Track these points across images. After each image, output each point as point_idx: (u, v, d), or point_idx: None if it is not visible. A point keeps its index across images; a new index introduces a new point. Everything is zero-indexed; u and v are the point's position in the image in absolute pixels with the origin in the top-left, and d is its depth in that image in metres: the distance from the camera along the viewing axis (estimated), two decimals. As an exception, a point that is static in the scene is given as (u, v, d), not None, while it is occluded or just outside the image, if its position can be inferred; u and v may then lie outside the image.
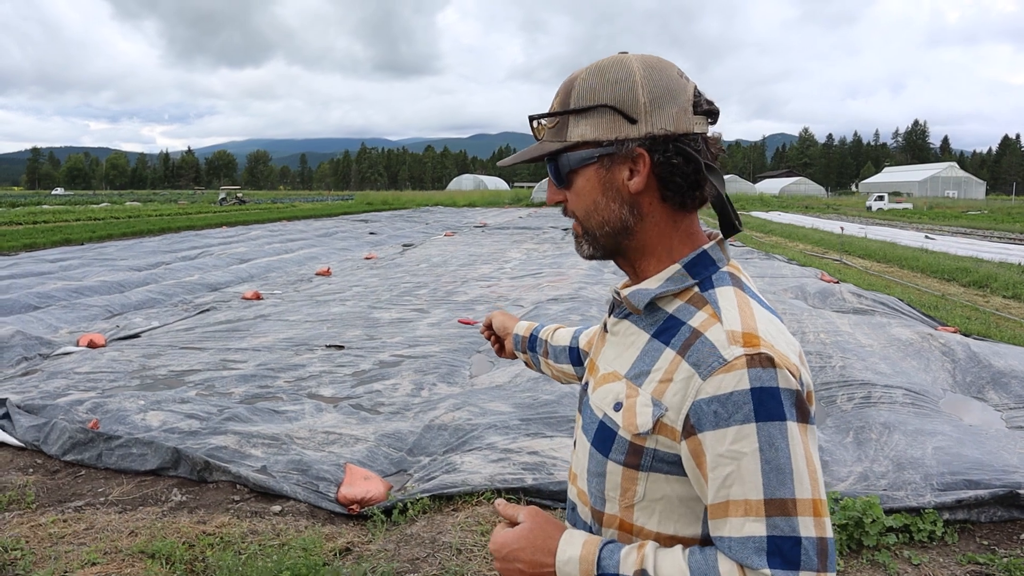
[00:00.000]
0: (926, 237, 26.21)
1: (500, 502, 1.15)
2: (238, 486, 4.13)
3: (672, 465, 1.00)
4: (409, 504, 3.84)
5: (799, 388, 0.94)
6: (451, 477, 4.17)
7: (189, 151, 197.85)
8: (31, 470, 4.43)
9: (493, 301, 10.85)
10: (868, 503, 3.62)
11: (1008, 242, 25.15)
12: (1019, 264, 15.99)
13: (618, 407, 1.05)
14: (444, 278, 13.49)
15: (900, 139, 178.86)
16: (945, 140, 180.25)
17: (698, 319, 1.00)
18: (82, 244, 20.74)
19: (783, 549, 0.90)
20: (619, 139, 1.03)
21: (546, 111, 1.12)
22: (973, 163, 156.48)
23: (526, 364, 1.66)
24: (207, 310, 10.09)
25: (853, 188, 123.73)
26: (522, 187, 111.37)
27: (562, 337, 1.57)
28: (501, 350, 1.69)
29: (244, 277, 13.72)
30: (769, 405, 0.91)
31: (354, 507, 3.83)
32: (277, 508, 3.85)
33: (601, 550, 1.03)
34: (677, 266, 1.06)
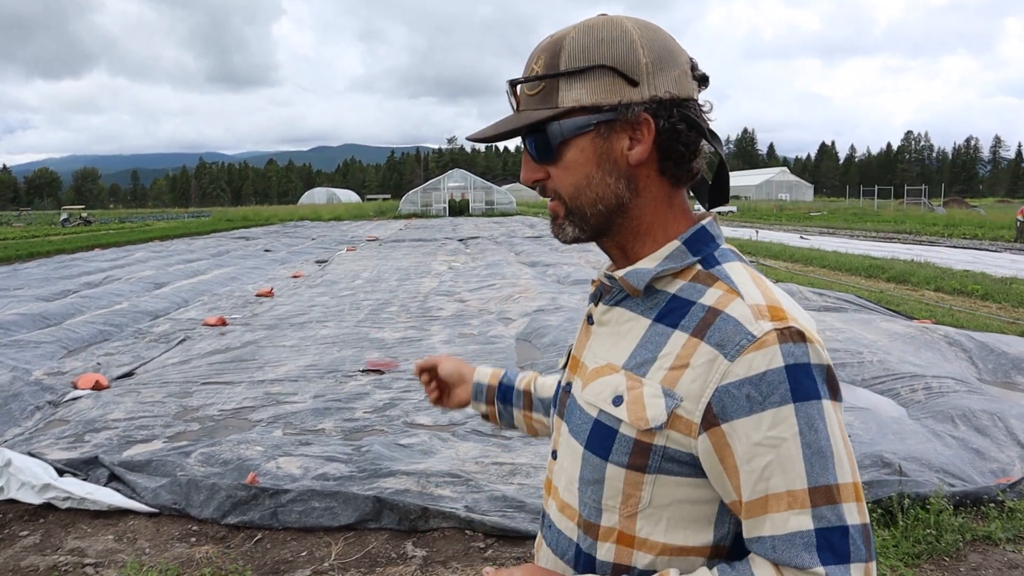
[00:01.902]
0: (801, 237, 28.06)
1: (488, 571, 1.03)
2: (466, 532, 3.73)
3: (683, 465, 0.90)
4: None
5: (829, 362, 0.88)
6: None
7: (4, 169, 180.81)
8: (194, 540, 3.81)
9: (478, 315, 10.56)
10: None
11: (874, 240, 27.35)
12: (913, 259, 17.39)
13: (618, 401, 0.94)
14: (399, 294, 13.02)
15: (731, 146, 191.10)
16: (771, 147, 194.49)
17: (711, 296, 0.92)
18: (-57, 273, 18.44)
19: (832, 542, 0.83)
20: (622, 103, 0.93)
21: (523, 76, 0.99)
22: (796, 168, 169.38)
23: (485, 416, 1.45)
24: (183, 340, 9.20)
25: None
26: (375, 199, 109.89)
27: (547, 387, 1.39)
28: (440, 399, 1.48)
29: (179, 302, 12.65)
30: (805, 383, 0.85)
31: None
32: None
33: None
34: (676, 243, 0.98)
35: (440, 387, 1.48)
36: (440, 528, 3.78)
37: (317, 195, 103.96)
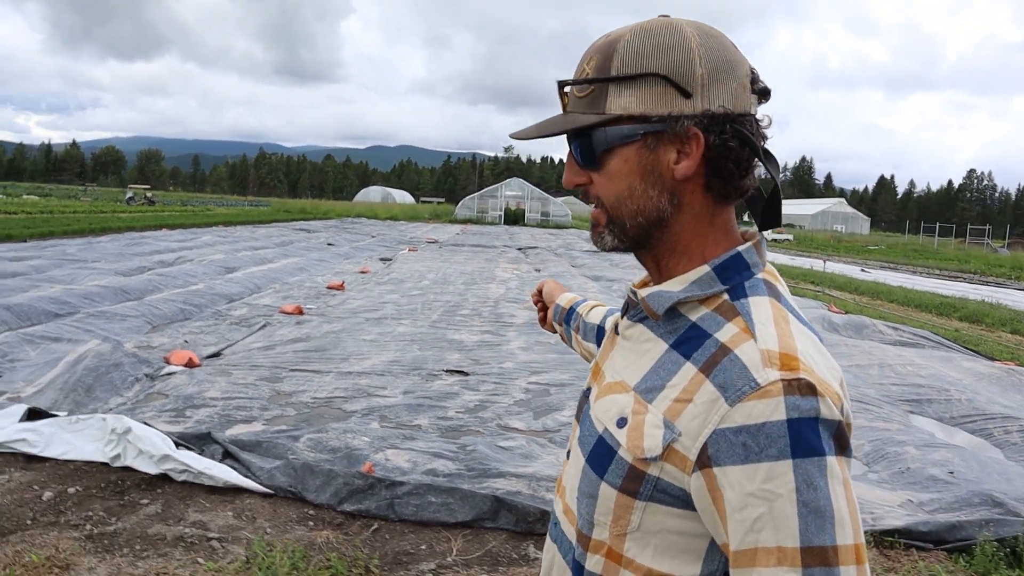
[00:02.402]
0: (862, 270, 27.56)
1: None
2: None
3: (675, 498, 0.87)
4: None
5: (840, 419, 0.82)
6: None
7: (74, 144, 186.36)
8: (311, 524, 3.88)
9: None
10: None
11: (938, 278, 26.73)
12: (984, 300, 16.95)
13: (622, 423, 0.92)
14: (468, 297, 13.11)
15: (788, 173, 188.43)
16: (828, 176, 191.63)
17: (727, 332, 0.88)
18: (25, 241, 19.06)
19: None
20: (672, 115, 0.89)
21: (574, 77, 0.95)
22: (853, 199, 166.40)
23: (561, 337, 1.60)
24: (264, 326, 9.38)
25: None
26: (430, 202, 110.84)
27: (596, 315, 1.46)
28: (544, 320, 1.64)
29: (252, 288, 12.90)
30: (808, 438, 0.79)
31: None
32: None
33: None
34: (706, 268, 0.93)
35: (543, 308, 1.65)
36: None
37: (372, 193, 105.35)
